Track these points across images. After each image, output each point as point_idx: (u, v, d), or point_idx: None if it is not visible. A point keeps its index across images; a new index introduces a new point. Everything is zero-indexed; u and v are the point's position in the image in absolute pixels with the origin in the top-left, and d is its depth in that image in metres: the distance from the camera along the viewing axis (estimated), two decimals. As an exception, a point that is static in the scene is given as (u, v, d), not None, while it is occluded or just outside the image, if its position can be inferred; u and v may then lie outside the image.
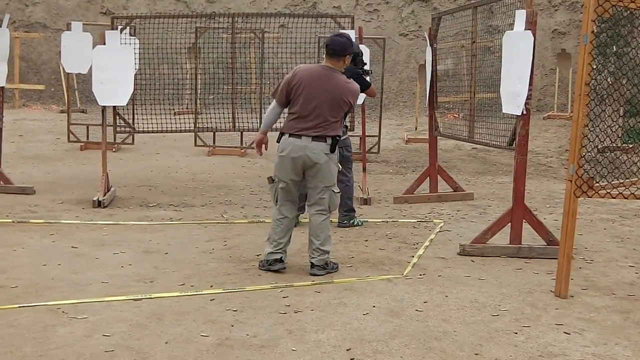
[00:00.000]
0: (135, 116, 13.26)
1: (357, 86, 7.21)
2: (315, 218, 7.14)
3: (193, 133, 14.29)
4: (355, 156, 14.13)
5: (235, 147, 15.12)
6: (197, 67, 14.27)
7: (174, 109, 14.57)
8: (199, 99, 14.19)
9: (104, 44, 10.44)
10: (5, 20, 10.83)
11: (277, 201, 7.18)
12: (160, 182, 12.03)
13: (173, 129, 12.19)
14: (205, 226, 9.10)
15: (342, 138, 7.84)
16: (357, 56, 8.50)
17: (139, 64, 12.07)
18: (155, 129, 12.10)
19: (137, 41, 12.15)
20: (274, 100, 7.13)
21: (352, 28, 11.36)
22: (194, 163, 14.00)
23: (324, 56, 7.16)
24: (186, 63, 19.05)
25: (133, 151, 14.99)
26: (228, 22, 14.26)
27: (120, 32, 10.74)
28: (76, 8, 24.99)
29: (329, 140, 6.99)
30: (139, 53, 11.88)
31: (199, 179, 12.45)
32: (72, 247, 7.93)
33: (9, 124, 15.02)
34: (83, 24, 14.23)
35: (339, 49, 7.04)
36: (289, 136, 6.99)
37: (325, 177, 7.05)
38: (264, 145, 7.29)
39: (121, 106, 11.07)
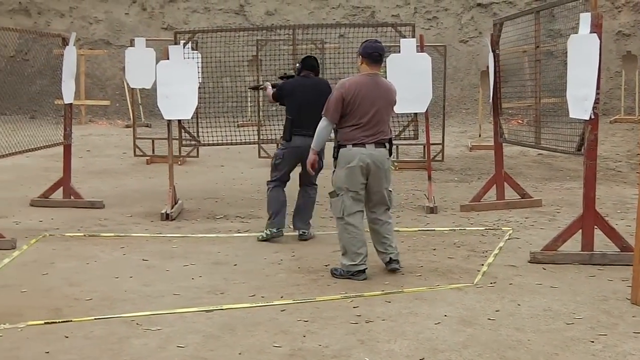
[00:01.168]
0: (200, 129, 13.38)
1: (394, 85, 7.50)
2: (386, 219, 7.38)
3: (257, 145, 14.37)
4: (420, 164, 14.12)
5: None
6: (258, 79, 14.36)
7: (236, 122, 14.69)
8: (262, 110, 14.27)
9: (168, 58, 10.56)
10: (72, 39, 11.04)
11: (344, 213, 7.20)
12: (226, 194, 12.12)
13: (237, 141, 12.28)
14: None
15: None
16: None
17: (201, 77, 12.20)
18: (220, 142, 12.20)
19: (199, 55, 12.30)
20: (327, 119, 7.25)
21: (413, 36, 11.31)
22: (259, 174, 14.05)
23: (361, 65, 7.32)
24: (247, 75, 19.18)
25: (198, 164, 15.14)
26: (288, 33, 14.34)
27: (183, 47, 10.86)
28: (138, 24, 25.38)
29: (387, 145, 7.28)
30: (201, 67, 12.00)
31: (264, 190, 12.35)
32: (143, 259, 8.03)
33: (77, 140, 15.24)
34: (146, 40, 14.41)
35: (382, 53, 7.33)
36: (353, 146, 7.11)
37: (388, 180, 7.34)
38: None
39: (186, 119, 11.19)
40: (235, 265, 7.81)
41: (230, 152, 16.05)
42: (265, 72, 14.69)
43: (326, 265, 7.64)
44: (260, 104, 14.29)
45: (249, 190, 12.51)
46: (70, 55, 10.97)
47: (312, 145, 7.45)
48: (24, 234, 9.16)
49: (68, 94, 10.96)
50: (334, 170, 7.28)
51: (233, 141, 12.22)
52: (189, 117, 10.85)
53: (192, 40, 11.63)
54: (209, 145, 12.31)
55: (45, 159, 15.00)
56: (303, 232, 9.02)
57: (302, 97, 8.83)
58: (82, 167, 14.56)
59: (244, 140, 12.36)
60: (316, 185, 9.21)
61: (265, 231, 8.96)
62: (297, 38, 12.46)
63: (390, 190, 7.43)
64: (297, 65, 9.26)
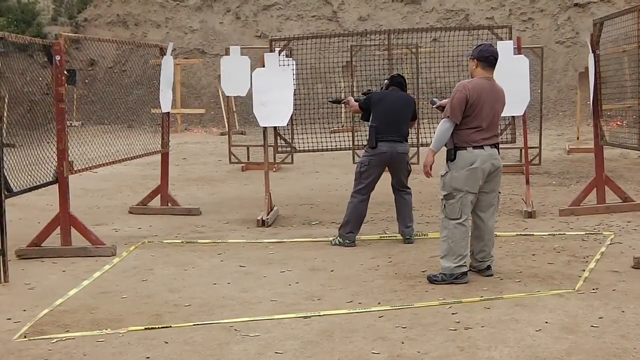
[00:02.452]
0: (294, 135, 13.45)
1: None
2: (492, 223, 7.44)
3: (351, 150, 14.37)
4: (518, 168, 13.91)
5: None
6: (353, 84, 14.37)
7: (330, 127, 14.71)
8: (355, 116, 14.26)
9: (264, 66, 10.65)
10: (169, 49, 11.25)
11: (461, 215, 7.17)
12: (321, 200, 12.16)
13: (331, 147, 12.31)
14: (369, 243, 9.13)
15: None
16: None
17: (296, 84, 12.26)
18: (314, 148, 12.25)
19: (293, 62, 12.36)
20: (449, 120, 7.16)
21: (510, 38, 11.18)
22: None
23: (476, 68, 7.34)
24: (341, 81, 19.22)
25: (293, 170, 15.23)
26: (381, 38, 14.33)
27: (279, 54, 10.94)
28: (232, 33, 25.72)
29: (498, 146, 7.39)
30: (295, 73, 12.07)
31: (358, 196, 12.48)
32: (240, 265, 8.10)
33: (173, 148, 15.47)
34: (241, 48, 14.55)
35: (497, 57, 7.39)
36: (473, 149, 7.13)
37: (500, 181, 7.46)
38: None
39: (281, 126, 11.26)
40: (332, 271, 7.83)
41: (325, 158, 16.10)
42: (359, 77, 14.71)
43: (423, 271, 7.59)
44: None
45: (343, 196, 12.45)
46: (168, 64, 11.17)
47: (431, 147, 7.38)
48: (123, 241, 9.37)
49: (165, 103, 11.17)
50: (447, 172, 7.23)
51: (327, 147, 12.26)
52: (285, 124, 10.92)
53: (286, 47, 11.71)
54: (303, 151, 12.38)
55: (143, 167, 15.31)
56: (408, 237, 9.09)
57: (389, 105, 9.02)
58: (178, 174, 14.80)
59: (338, 147, 12.37)
60: (409, 188, 9.22)
61: (337, 238, 9.08)
62: (390, 43, 12.41)
63: (500, 193, 7.56)
64: (386, 81, 9.44)
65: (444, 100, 7.82)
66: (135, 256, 8.67)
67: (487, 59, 7.29)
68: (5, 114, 7.76)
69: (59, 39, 8.70)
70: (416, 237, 9.18)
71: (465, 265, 7.25)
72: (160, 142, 11.37)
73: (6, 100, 7.91)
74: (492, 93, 7.27)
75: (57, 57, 8.57)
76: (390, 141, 8.87)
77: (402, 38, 15.04)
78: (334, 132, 14.44)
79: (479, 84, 7.23)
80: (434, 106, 8.08)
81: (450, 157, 7.21)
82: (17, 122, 9.14)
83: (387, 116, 8.94)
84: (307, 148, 12.26)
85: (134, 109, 20.61)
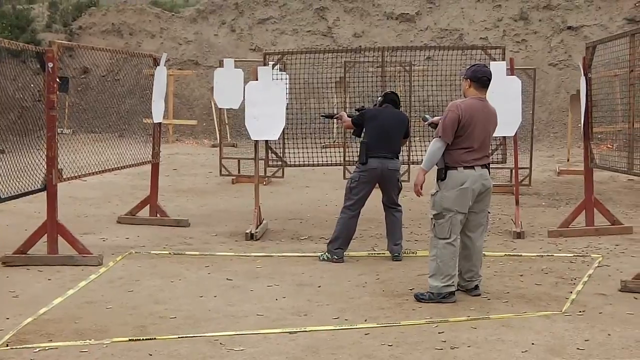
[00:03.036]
0: (285, 150, 13.43)
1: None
2: (480, 242, 7.44)
3: (342, 166, 14.36)
4: (508, 189, 13.92)
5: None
6: (346, 100, 14.37)
7: (322, 143, 14.69)
8: (347, 132, 14.25)
9: (257, 79, 10.64)
10: (163, 59, 11.23)
11: (451, 234, 7.15)
12: (310, 215, 12.13)
13: (322, 162, 12.30)
14: (357, 259, 9.10)
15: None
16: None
17: (288, 98, 12.25)
18: (305, 163, 12.23)
19: (287, 76, 12.35)
20: (441, 140, 7.14)
21: (503, 59, 11.20)
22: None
23: (469, 88, 7.34)
24: (334, 97, 19.23)
25: (283, 184, 15.20)
26: (375, 55, 14.33)
27: (272, 68, 10.93)
28: (226, 45, 25.73)
29: (489, 166, 7.41)
30: (288, 88, 12.06)
31: (348, 212, 12.45)
32: (227, 279, 8.07)
33: (164, 158, 15.43)
34: (235, 61, 14.54)
35: (490, 78, 7.39)
36: (464, 169, 7.12)
37: (490, 201, 7.46)
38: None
39: (273, 140, 11.25)
40: (319, 287, 7.80)
41: (316, 173, 16.07)
42: (352, 94, 14.71)
43: (411, 289, 7.57)
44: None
45: (333, 211, 12.43)
46: (161, 75, 11.16)
47: (422, 165, 7.33)
48: (110, 250, 9.32)
49: (157, 113, 11.14)
50: (438, 192, 7.20)
51: (318, 162, 12.24)
52: (276, 138, 10.90)
53: (280, 61, 11.71)
54: (294, 166, 12.35)
55: (133, 177, 15.27)
56: (396, 255, 9.07)
57: (383, 122, 9.04)
58: (168, 185, 14.76)
59: (329, 162, 12.36)
60: (400, 206, 9.21)
61: (326, 254, 9.06)
62: (384, 60, 12.41)
63: (489, 212, 7.55)
64: (379, 97, 9.45)
65: (436, 118, 7.83)
66: (122, 266, 8.63)
67: (480, 79, 7.29)
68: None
69: (52, 46, 8.67)
70: (405, 254, 9.16)
71: (453, 285, 7.23)
72: (151, 153, 11.34)
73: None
74: (485, 114, 7.26)
75: (50, 65, 8.54)
76: (381, 157, 8.88)
77: (396, 55, 15.09)
78: (326, 147, 14.43)
79: (472, 104, 7.22)
80: (426, 123, 8.09)
81: (441, 177, 7.19)
82: (8, 128, 9.12)
83: (380, 133, 8.94)
84: (298, 162, 12.24)
85: (125, 118, 20.58)
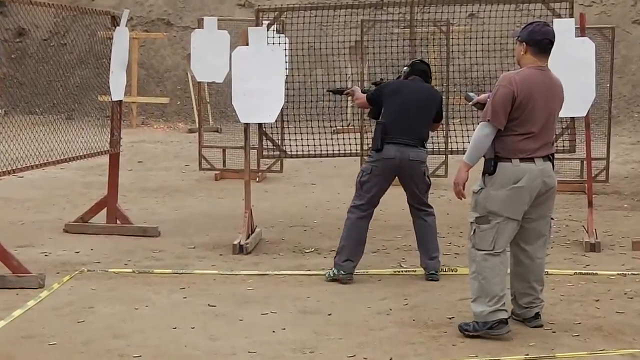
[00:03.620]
0: (285, 136, 13.41)
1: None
2: (541, 257, 7.44)
3: (358, 157, 14.36)
4: (578, 186, 13.90)
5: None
6: (363, 71, 14.36)
7: (332, 127, 14.70)
8: (365, 113, 14.25)
9: (247, 44, 10.62)
10: (124, 17, 11.20)
11: (495, 246, 7.12)
12: (318, 221, 12.16)
13: (332, 152, 12.26)
14: (379, 279, 9.10)
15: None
16: None
17: (288, 69, 12.24)
18: (310, 153, 12.20)
19: (286, 40, 12.35)
20: (489, 124, 7.08)
21: (571, 16, 11.15)
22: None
23: (524, 54, 7.29)
24: (348, 67, 19.23)
25: (282, 181, 15.22)
26: (402, 12, 14.32)
27: (267, 29, 10.92)
28: (207, 0, 25.74)
29: (552, 159, 7.34)
30: (289, 55, 12.05)
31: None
32: (209, 305, 8.07)
33: (126, 148, 15.48)
34: (218, 20, 14.53)
35: (553, 41, 7.32)
36: (520, 161, 7.08)
37: (553, 204, 7.47)
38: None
39: (268, 124, 11.23)
40: (329, 314, 7.80)
41: (324, 166, 16.09)
42: (372, 62, 14.70)
43: (450, 318, 7.56)
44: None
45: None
46: (122, 38, 11.14)
47: (465, 158, 7.26)
48: (55, 268, 9.34)
49: (117, 88, 11.13)
50: (483, 189, 7.17)
51: (327, 152, 12.21)
52: (272, 121, 10.89)
53: (278, 20, 11.69)
54: (296, 157, 12.32)
55: (85, 172, 15.32)
56: (432, 273, 9.04)
57: (406, 99, 8.98)
58: (131, 182, 14.77)
59: (341, 151, 12.33)
60: (431, 208, 9.22)
61: (332, 270, 9.05)
62: (414, 18, 12.40)
63: (553, 219, 7.51)
64: (405, 68, 9.39)
65: (483, 96, 7.79)
66: (70, 289, 8.62)
67: (540, 42, 7.21)
68: None
69: (-22, 0, 8.67)
70: (442, 272, 9.15)
71: (505, 310, 7.19)
72: (108, 140, 11.35)
73: None
74: (547, 88, 7.21)
75: (-25, 24, 8.54)
76: (400, 144, 8.76)
77: (429, 12, 15.07)
78: (337, 133, 14.42)
79: (530, 76, 7.17)
80: (470, 103, 8.04)
81: (489, 170, 7.13)
82: None
83: (402, 112, 8.86)
84: (300, 152, 12.21)
85: (75, 95, 20.65)
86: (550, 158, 7.27)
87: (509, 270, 7.36)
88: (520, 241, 7.32)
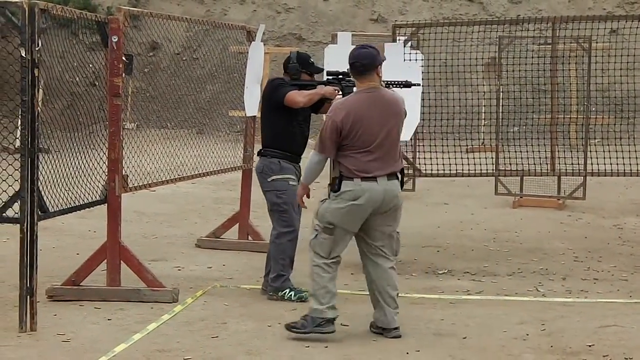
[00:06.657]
0: (417, 154, 13.37)
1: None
2: (391, 270, 7.96)
3: (493, 177, 14.27)
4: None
5: (551, 197, 14.94)
6: (499, 89, 14.26)
7: (466, 145, 14.63)
8: (501, 132, 14.14)
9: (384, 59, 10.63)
10: (260, 32, 11.29)
11: (330, 254, 7.67)
12: (451, 242, 12.11)
13: (466, 171, 12.19)
14: (515, 302, 9.03)
15: (271, 179, 9.44)
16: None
17: (423, 85, 12.22)
18: (444, 172, 12.15)
19: (422, 56, 12.34)
20: (321, 154, 7.63)
21: None
22: (495, 217, 13.95)
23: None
24: (483, 84, 19.13)
25: (414, 200, 15.17)
26: (541, 29, 14.20)
27: (404, 45, 10.92)
28: (340, 14, 25.89)
29: (399, 176, 7.76)
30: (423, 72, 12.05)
31: (502, 238, 12.38)
32: (342, 324, 8.05)
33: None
34: (352, 35, 14.57)
35: (364, 62, 7.57)
36: (362, 180, 7.46)
37: (398, 220, 7.87)
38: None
39: (403, 142, 11.22)
40: (464, 338, 7.77)
41: (457, 185, 16.01)
42: (507, 79, 14.61)
43: (590, 346, 7.45)
44: (500, 122, 14.13)
45: (481, 238, 12.42)
46: (257, 54, 11.27)
47: (301, 180, 8.09)
48: (188, 283, 9.48)
49: (251, 104, 11.22)
50: (325, 200, 7.63)
51: (461, 171, 12.15)
52: (408, 139, 10.89)
53: (414, 36, 11.70)
54: (429, 176, 12.29)
55: (217, 187, 15.47)
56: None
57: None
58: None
59: (475, 171, 12.25)
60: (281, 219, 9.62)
61: (295, 291, 9.19)
62: (555, 35, 12.25)
63: (398, 232, 7.95)
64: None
65: None
66: (204, 304, 8.74)
67: (352, 66, 7.69)
68: (39, 109, 7.80)
69: (116, 13, 8.82)
70: (579, 299, 9.03)
71: (334, 308, 7.66)
72: (241, 156, 11.45)
73: (41, 92, 7.97)
74: (378, 107, 7.59)
75: (115, 38, 8.66)
76: None
77: (569, 28, 14.91)
78: (470, 152, 14.36)
79: (356, 101, 7.68)
80: None
81: (334, 188, 7.57)
82: (54, 120, 9.20)
83: None
84: (435, 172, 12.17)
85: (206, 109, 20.90)
86: (397, 176, 7.67)
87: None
88: (369, 250, 7.83)
